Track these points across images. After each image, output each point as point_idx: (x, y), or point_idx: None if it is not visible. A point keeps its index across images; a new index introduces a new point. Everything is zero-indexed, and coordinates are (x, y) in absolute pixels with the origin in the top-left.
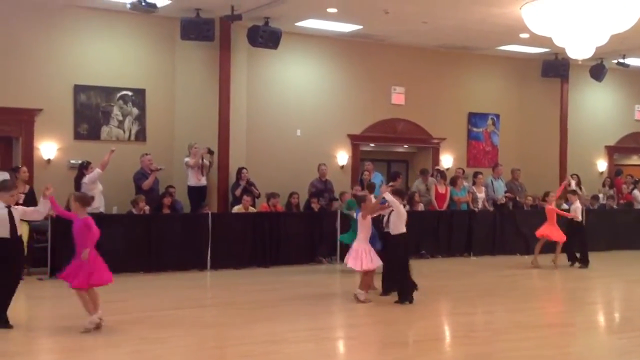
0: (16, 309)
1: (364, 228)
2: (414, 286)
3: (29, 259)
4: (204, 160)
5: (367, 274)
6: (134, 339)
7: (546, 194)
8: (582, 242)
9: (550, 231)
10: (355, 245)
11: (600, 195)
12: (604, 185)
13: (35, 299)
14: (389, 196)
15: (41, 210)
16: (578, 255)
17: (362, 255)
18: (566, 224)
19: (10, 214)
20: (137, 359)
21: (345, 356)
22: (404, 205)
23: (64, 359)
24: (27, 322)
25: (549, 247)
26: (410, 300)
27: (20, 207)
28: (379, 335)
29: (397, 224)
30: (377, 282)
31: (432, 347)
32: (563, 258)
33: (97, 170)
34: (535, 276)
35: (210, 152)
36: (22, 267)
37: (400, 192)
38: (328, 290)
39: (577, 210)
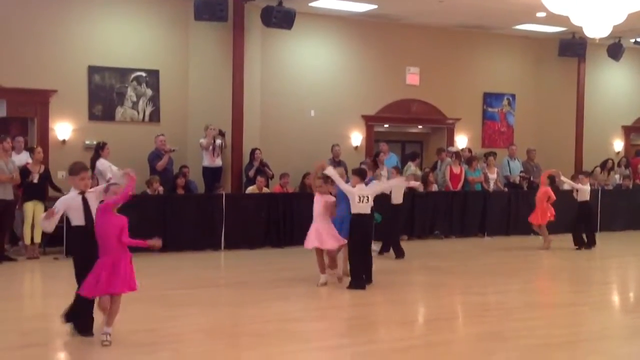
0: (33, 288)
1: (322, 208)
2: (367, 273)
3: (45, 238)
4: (217, 141)
5: (330, 253)
6: (148, 317)
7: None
8: (590, 224)
9: (538, 215)
10: (313, 225)
11: (617, 176)
12: (619, 165)
13: (52, 278)
14: (330, 171)
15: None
16: (585, 238)
17: (317, 235)
18: (576, 207)
19: (84, 200)
20: (152, 337)
21: (357, 335)
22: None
23: (80, 336)
24: (43, 301)
25: (556, 228)
26: (362, 287)
27: (96, 189)
28: (391, 314)
29: (352, 205)
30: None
31: (444, 326)
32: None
33: (110, 170)
34: (548, 256)
35: (222, 133)
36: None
37: (359, 172)
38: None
39: (584, 191)
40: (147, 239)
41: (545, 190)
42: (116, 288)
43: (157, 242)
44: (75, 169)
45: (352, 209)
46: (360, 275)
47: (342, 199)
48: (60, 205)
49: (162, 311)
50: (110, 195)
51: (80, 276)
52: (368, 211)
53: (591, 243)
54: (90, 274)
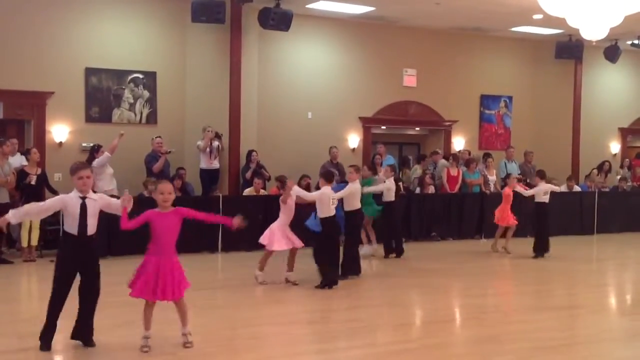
0: (29, 291)
1: (286, 211)
2: (335, 275)
3: (41, 240)
4: (214, 143)
5: (292, 254)
6: None
7: (507, 177)
8: (543, 227)
9: (503, 216)
10: (273, 224)
11: (618, 177)
12: (621, 167)
13: (48, 280)
14: (295, 190)
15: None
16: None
17: (273, 235)
18: (532, 209)
19: (83, 206)
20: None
21: (354, 337)
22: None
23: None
24: (40, 304)
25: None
26: (329, 286)
27: (104, 198)
28: (388, 317)
29: (319, 207)
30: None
31: (441, 329)
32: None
33: (106, 154)
34: (545, 259)
35: (218, 136)
36: (96, 269)
37: (326, 175)
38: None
39: (538, 192)
40: (143, 242)
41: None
42: (176, 294)
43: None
44: (72, 168)
45: (323, 211)
46: (328, 273)
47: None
48: (55, 201)
49: (158, 313)
50: (116, 208)
51: (57, 290)
52: (334, 212)
53: (542, 249)
54: (142, 275)
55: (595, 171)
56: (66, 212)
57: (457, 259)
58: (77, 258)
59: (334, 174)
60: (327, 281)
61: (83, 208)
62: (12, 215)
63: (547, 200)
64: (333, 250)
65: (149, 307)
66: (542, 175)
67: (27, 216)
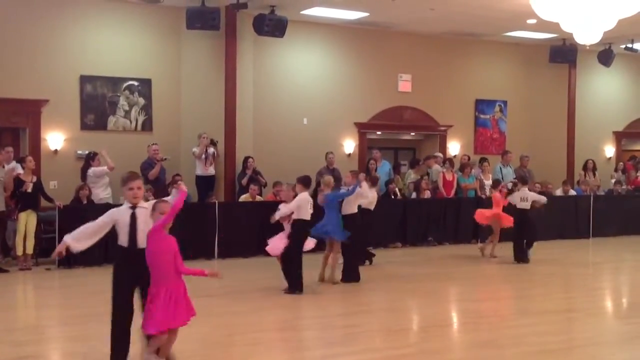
0: (25, 299)
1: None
2: (299, 278)
3: (37, 249)
4: (209, 150)
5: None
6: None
7: (496, 182)
8: (517, 234)
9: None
10: (280, 235)
11: (612, 181)
12: (616, 170)
13: (44, 289)
14: (281, 213)
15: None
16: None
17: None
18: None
19: (133, 217)
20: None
21: (352, 343)
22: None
23: (74, 347)
24: (36, 312)
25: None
26: (300, 290)
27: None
28: (385, 322)
29: (298, 212)
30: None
31: (438, 334)
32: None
33: (106, 170)
34: (541, 263)
35: (213, 142)
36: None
37: (304, 180)
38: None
39: (514, 198)
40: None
41: (494, 195)
42: (178, 321)
43: (218, 272)
44: (122, 178)
45: (300, 215)
46: (297, 278)
47: (333, 206)
48: (107, 216)
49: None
50: (157, 215)
51: (115, 310)
52: (309, 217)
53: (518, 256)
54: (146, 308)
55: (582, 173)
56: (117, 225)
57: (454, 263)
58: (131, 273)
59: (311, 178)
60: (298, 286)
61: (133, 218)
62: (71, 240)
63: (525, 207)
64: (301, 254)
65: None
66: (522, 180)
67: (84, 237)
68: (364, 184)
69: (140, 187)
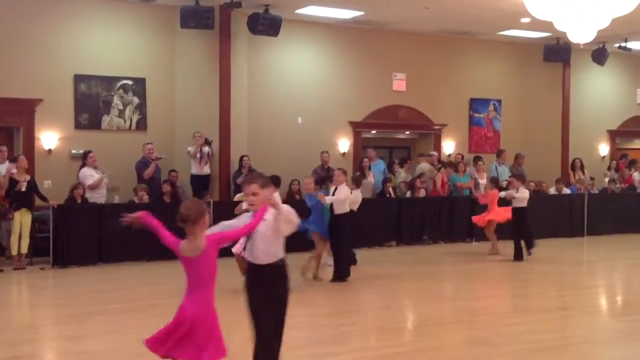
0: (20, 299)
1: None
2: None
3: (31, 248)
4: (204, 149)
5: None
6: (139, 326)
7: (494, 179)
8: (522, 231)
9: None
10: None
11: (606, 179)
12: (609, 169)
13: (39, 288)
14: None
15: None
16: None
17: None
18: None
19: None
20: (142, 347)
21: (346, 342)
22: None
23: (68, 347)
24: (30, 311)
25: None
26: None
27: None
28: (378, 320)
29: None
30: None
31: (432, 332)
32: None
33: (104, 180)
34: (536, 261)
35: (207, 142)
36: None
37: (274, 180)
38: (327, 276)
39: (509, 195)
40: (135, 248)
41: (494, 193)
42: (184, 354)
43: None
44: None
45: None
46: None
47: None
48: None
49: (152, 320)
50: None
51: (256, 330)
52: None
53: (519, 255)
54: (169, 325)
55: (571, 173)
56: None
57: (449, 262)
58: (257, 289)
59: (280, 180)
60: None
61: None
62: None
63: (522, 205)
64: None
65: None
66: (520, 178)
67: None
68: (344, 186)
69: (255, 193)
